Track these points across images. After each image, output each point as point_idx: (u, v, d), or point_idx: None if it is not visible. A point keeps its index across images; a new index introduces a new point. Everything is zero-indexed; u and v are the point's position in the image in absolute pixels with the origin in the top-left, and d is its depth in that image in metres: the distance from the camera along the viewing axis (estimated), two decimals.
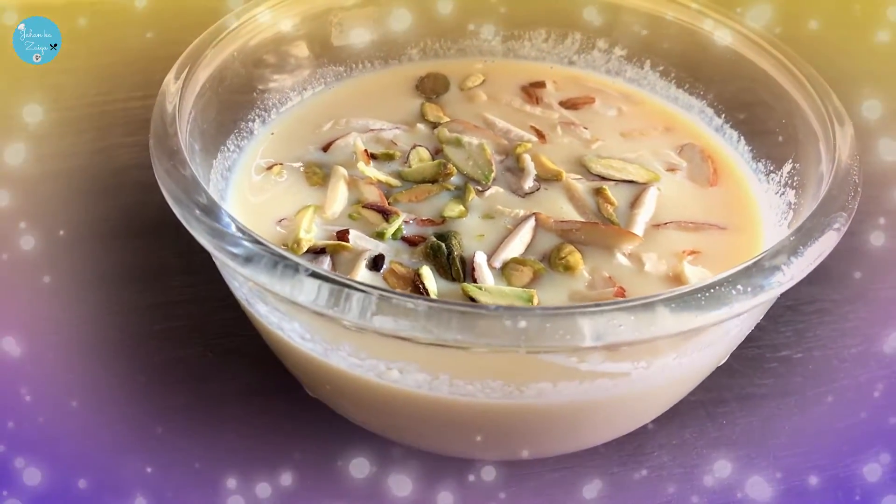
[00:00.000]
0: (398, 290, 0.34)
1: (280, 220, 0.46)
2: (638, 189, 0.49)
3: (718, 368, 0.54)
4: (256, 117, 0.52)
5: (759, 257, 0.37)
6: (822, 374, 0.54)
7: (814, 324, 0.57)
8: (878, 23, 0.63)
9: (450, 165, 0.49)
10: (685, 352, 0.39)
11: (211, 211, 0.38)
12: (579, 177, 0.50)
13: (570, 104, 0.55)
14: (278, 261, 0.35)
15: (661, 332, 0.34)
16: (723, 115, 0.53)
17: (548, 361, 0.36)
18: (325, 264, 0.43)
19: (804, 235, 0.38)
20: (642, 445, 0.49)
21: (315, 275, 0.35)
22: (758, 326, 0.57)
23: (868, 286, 0.59)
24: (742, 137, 0.52)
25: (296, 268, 0.35)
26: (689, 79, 0.55)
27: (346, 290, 0.34)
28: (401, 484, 0.44)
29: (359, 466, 0.45)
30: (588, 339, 0.33)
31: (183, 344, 0.51)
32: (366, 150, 0.50)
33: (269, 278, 0.35)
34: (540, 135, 0.53)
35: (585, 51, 0.58)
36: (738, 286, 0.36)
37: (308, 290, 0.35)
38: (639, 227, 0.46)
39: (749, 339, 0.56)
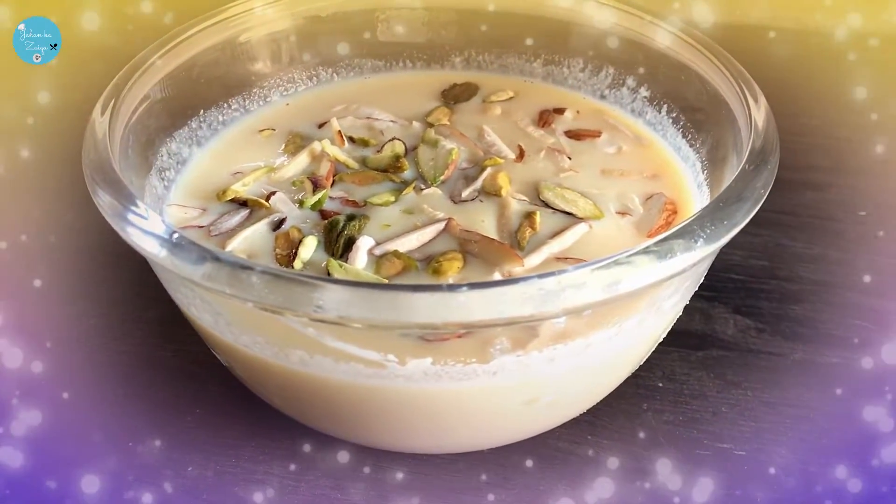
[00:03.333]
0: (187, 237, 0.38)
1: (234, 173, 0.52)
2: (571, 222, 0.47)
3: (633, 431, 0.50)
4: (276, 87, 0.58)
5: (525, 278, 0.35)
6: (743, 476, 0.47)
7: (784, 428, 0.50)
8: None
9: (402, 160, 0.51)
10: (443, 359, 0.38)
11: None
12: (525, 198, 0.49)
13: (573, 134, 0.54)
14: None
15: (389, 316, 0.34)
16: (705, 172, 0.49)
17: (290, 326, 0.37)
18: (238, 214, 0.48)
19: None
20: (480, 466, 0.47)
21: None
22: (714, 411, 0.52)
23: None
24: (709, 198, 0.48)
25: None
26: (693, 130, 0.51)
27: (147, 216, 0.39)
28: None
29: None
30: (306, 306, 0.34)
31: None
32: (340, 132, 0.53)
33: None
34: (521, 154, 0.53)
35: (616, 86, 0.56)
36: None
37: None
38: (539, 256, 0.45)
39: (692, 421, 0.51)
